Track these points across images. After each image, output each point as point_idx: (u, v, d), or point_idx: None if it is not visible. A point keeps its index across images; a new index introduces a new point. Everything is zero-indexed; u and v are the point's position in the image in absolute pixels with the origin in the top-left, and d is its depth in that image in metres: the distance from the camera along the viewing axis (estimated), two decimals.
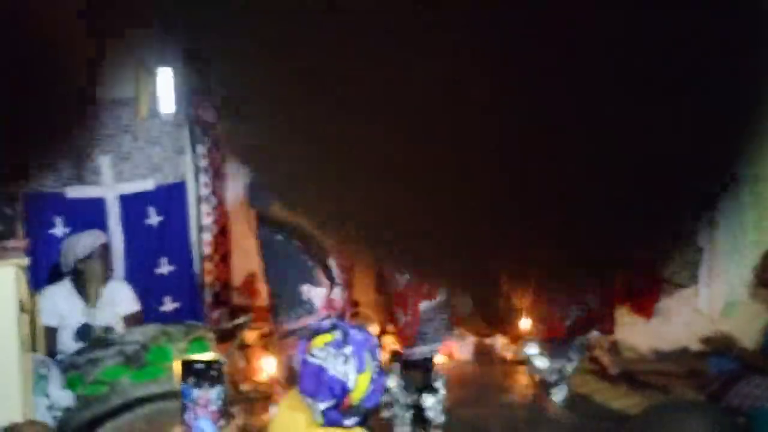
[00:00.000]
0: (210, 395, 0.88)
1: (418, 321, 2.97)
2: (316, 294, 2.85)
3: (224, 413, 0.89)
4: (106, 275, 3.30)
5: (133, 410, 2.60)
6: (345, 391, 1.64)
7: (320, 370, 1.64)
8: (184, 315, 4.05)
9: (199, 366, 0.89)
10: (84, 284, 3.23)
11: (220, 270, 4.32)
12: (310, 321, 2.82)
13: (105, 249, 3.30)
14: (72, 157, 3.75)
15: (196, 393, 0.88)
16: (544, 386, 3.43)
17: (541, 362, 3.40)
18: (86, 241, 3.24)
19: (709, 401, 3.10)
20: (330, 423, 1.68)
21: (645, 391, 3.42)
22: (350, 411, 1.68)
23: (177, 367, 0.88)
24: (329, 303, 2.90)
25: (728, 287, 3.55)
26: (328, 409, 1.65)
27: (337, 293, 2.95)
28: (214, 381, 0.89)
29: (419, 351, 3.02)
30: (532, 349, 3.46)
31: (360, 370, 1.66)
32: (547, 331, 3.45)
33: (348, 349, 1.67)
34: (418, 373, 3.03)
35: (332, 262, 2.96)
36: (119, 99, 3.89)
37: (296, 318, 2.86)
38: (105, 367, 2.71)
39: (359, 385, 1.66)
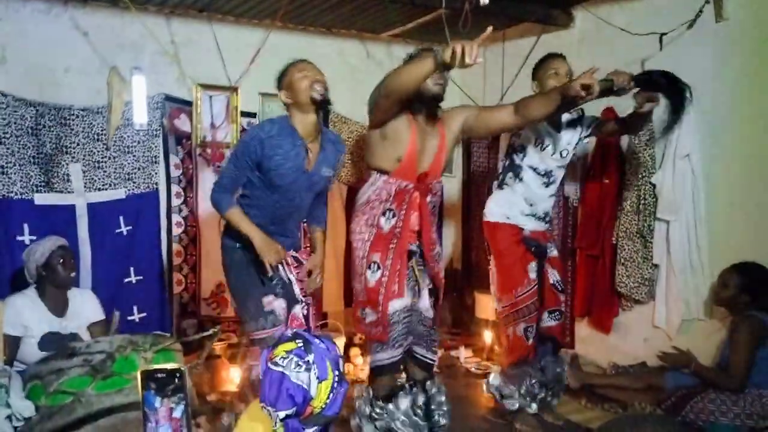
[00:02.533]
0: (171, 405, 0.90)
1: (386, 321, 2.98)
2: (279, 305, 2.86)
3: (186, 423, 0.91)
4: (69, 280, 3.26)
5: (96, 421, 2.58)
6: (306, 399, 1.66)
7: (282, 378, 1.65)
8: (151, 325, 4.04)
9: (160, 375, 0.91)
10: (47, 291, 3.20)
11: (189, 280, 4.32)
12: (274, 333, 2.82)
13: (66, 254, 3.24)
14: (41, 164, 3.74)
15: (158, 403, 0.90)
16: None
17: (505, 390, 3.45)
18: (44, 247, 3.19)
19: (666, 415, 3.18)
20: None
21: (604, 404, 3.50)
22: (311, 420, 1.69)
23: (138, 377, 0.89)
24: (291, 317, 2.90)
25: (685, 305, 3.63)
26: (288, 417, 1.66)
27: (298, 310, 2.95)
28: (176, 390, 0.91)
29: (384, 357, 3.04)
30: (495, 380, 3.51)
31: (322, 378, 1.68)
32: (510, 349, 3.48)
33: (310, 357, 1.68)
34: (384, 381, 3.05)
35: (294, 279, 2.97)
36: (91, 107, 3.89)
37: (259, 329, 2.86)
38: (69, 377, 2.68)
39: (320, 393, 1.68)
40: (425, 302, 3.09)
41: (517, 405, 3.35)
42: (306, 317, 2.98)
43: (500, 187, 3.47)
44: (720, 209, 3.51)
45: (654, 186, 3.70)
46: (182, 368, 0.96)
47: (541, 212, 3.43)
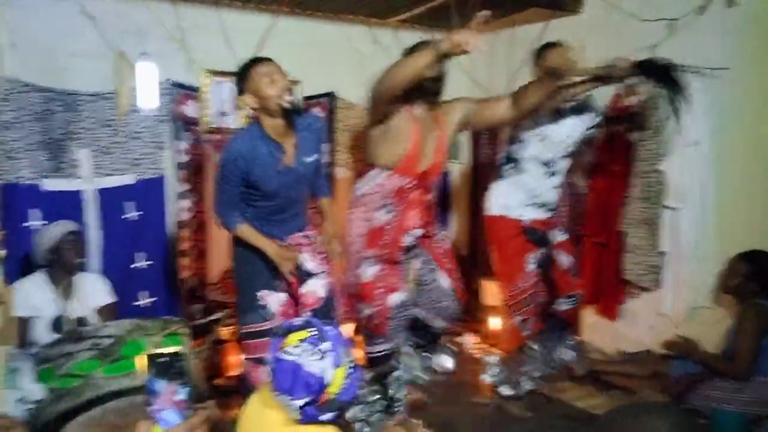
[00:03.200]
0: (175, 387, 0.91)
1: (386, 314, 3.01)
2: (272, 300, 2.86)
3: (190, 405, 0.92)
4: (78, 265, 3.29)
5: (104, 404, 2.61)
6: (322, 386, 1.67)
7: (296, 367, 1.66)
8: (159, 310, 4.07)
9: (163, 359, 0.92)
10: (56, 275, 3.23)
11: (197, 266, 4.34)
12: (264, 326, 2.85)
13: (76, 239, 3.27)
14: (49, 149, 3.75)
15: (161, 386, 0.91)
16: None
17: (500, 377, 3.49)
18: (54, 232, 3.23)
19: (672, 402, 3.18)
20: (307, 419, 1.70)
21: (609, 391, 3.51)
22: (326, 406, 1.71)
23: (141, 361, 0.91)
24: (294, 304, 2.91)
25: (692, 292, 3.62)
26: (304, 405, 1.67)
27: (312, 284, 2.96)
28: (179, 373, 0.91)
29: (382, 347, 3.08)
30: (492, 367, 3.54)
31: (337, 364, 1.69)
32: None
33: (324, 345, 1.69)
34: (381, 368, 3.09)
35: (307, 255, 2.97)
36: (99, 93, 3.89)
37: (252, 322, 2.88)
38: (78, 360, 2.71)
39: (336, 379, 1.69)
40: (446, 282, 3.11)
41: (512, 392, 3.39)
42: (327, 289, 3.00)
43: (502, 176, 3.47)
44: (729, 197, 3.49)
45: (662, 173, 3.68)
46: (185, 351, 0.96)
47: (544, 202, 3.42)
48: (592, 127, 3.43)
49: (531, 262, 3.42)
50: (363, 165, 4.72)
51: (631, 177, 3.83)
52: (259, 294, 2.84)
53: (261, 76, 2.72)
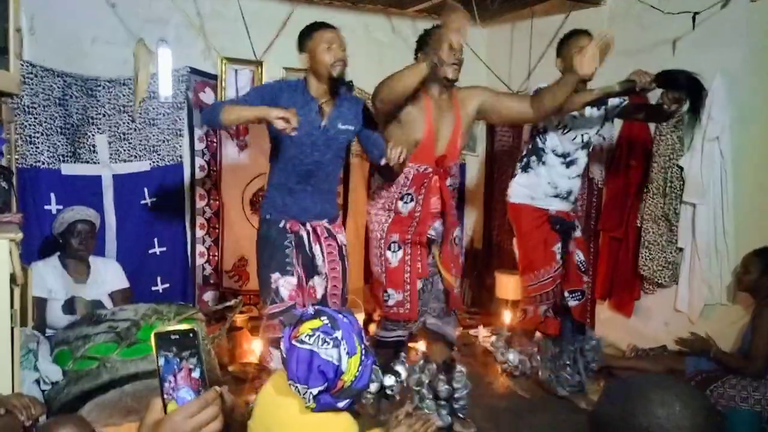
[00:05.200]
0: (188, 365, 0.91)
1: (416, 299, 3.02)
2: (284, 283, 2.87)
3: (203, 382, 0.92)
4: (85, 253, 3.31)
5: (121, 386, 2.63)
6: (338, 374, 1.67)
7: (311, 355, 1.66)
8: (174, 296, 4.10)
9: (174, 337, 0.91)
10: (69, 259, 3.27)
11: (212, 253, 4.37)
12: (277, 309, 2.86)
13: (85, 226, 3.29)
14: (68, 134, 3.78)
15: (174, 364, 0.90)
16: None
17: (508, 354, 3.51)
18: (64, 217, 3.27)
19: (672, 376, 3.14)
20: (322, 407, 1.71)
21: None
22: (342, 393, 1.71)
23: (152, 338, 0.90)
24: (304, 292, 2.92)
25: (708, 289, 3.59)
26: (320, 393, 1.68)
27: (317, 282, 2.97)
28: (191, 351, 0.91)
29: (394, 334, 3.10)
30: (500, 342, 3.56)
31: (351, 353, 1.69)
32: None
33: (338, 333, 1.69)
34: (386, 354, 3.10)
35: (320, 251, 2.97)
36: (118, 79, 3.92)
37: (268, 304, 2.90)
38: (95, 343, 2.74)
39: (350, 367, 1.69)
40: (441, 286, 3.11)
41: (518, 371, 3.41)
42: (326, 293, 3.00)
43: (524, 170, 3.44)
44: (748, 193, 3.44)
45: (681, 168, 3.64)
46: (195, 328, 0.95)
47: (564, 192, 3.40)
48: (613, 118, 3.41)
49: (558, 250, 3.41)
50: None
51: (649, 172, 3.80)
52: (272, 277, 2.86)
53: (320, 42, 2.84)
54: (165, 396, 0.89)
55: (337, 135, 2.92)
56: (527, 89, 4.59)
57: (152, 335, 0.91)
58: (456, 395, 3.06)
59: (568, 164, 3.36)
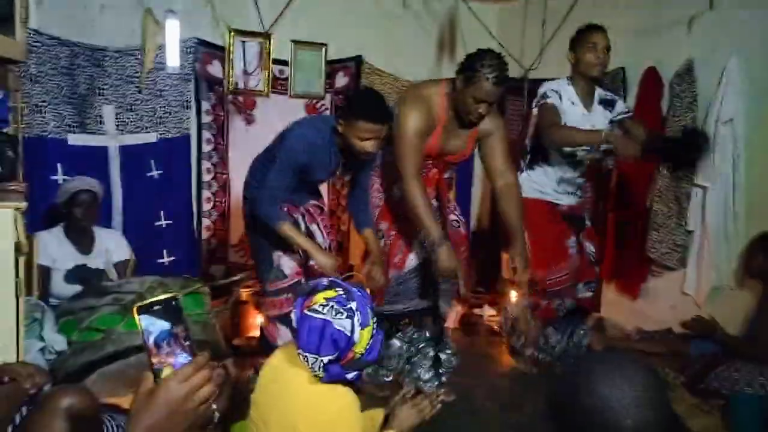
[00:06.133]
0: (177, 332, 0.90)
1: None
2: (286, 260, 2.87)
3: (192, 345, 0.91)
4: (88, 223, 3.29)
5: (126, 358, 2.64)
6: (349, 344, 1.67)
7: (324, 324, 1.66)
8: (181, 269, 4.10)
9: (157, 307, 0.90)
10: (72, 229, 3.26)
11: (218, 227, 4.36)
12: (282, 285, 2.89)
13: (88, 196, 3.27)
14: (75, 104, 3.75)
15: (162, 333, 0.90)
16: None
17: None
18: (68, 186, 3.25)
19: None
20: (332, 377, 1.71)
21: None
22: (351, 365, 1.72)
23: (135, 312, 0.89)
24: (306, 270, 2.92)
25: (716, 272, 3.56)
26: (330, 363, 1.68)
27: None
28: (177, 318, 0.90)
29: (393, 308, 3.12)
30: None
31: (365, 324, 1.69)
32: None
33: (353, 304, 1.69)
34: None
35: (317, 228, 2.97)
36: (125, 49, 3.88)
37: (269, 282, 2.90)
38: (100, 314, 2.75)
39: (362, 339, 1.69)
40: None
41: (520, 344, 3.46)
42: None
43: (530, 167, 3.41)
44: (760, 177, 3.41)
45: None
46: (178, 295, 0.94)
47: (573, 188, 3.40)
48: (617, 119, 3.37)
49: (571, 246, 3.39)
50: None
51: None
52: (274, 255, 2.86)
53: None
54: (155, 366, 0.89)
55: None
56: (539, 64, 4.54)
57: (134, 308, 0.90)
58: (442, 359, 3.08)
59: (573, 163, 3.35)
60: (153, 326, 0.89)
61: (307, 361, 1.69)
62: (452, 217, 3.21)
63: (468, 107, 2.80)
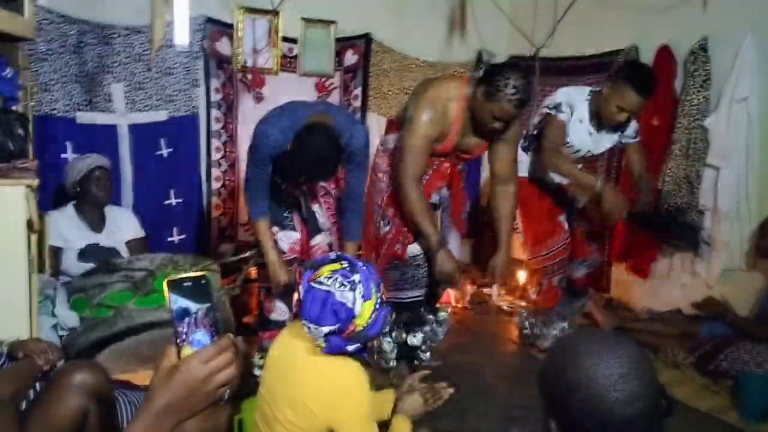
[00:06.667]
0: (201, 310, 0.90)
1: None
2: (283, 237, 2.86)
3: (216, 328, 0.91)
4: (102, 199, 3.29)
5: (137, 335, 2.67)
6: (350, 316, 1.69)
7: (327, 295, 1.68)
8: (190, 247, 4.13)
9: (186, 284, 0.90)
10: (84, 207, 3.26)
11: (228, 205, 4.37)
12: None
13: (102, 174, 3.26)
14: (83, 82, 3.75)
15: (187, 310, 0.90)
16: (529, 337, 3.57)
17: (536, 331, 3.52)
18: (82, 164, 3.23)
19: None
20: (332, 349, 1.73)
21: None
22: (353, 337, 1.73)
23: (165, 285, 0.89)
24: (304, 248, 2.91)
25: (727, 254, 3.54)
26: (331, 334, 1.70)
27: (321, 239, 2.96)
28: (204, 297, 0.90)
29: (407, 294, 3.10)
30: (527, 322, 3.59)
31: (367, 297, 1.71)
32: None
33: (356, 277, 1.71)
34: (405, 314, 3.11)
35: (319, 208, 2.96)
36: (134, 27, 3.86)
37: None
38: (111, 291, 2.77)
39: (364, 312, 1.70)
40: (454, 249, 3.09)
41: (547, 344, 3.40)
42: (330, 245, 2.99)
43: (525, 151, 3.39)
44: None
45: (706, 130, 3.55)
46: (207, 274, 0.94)
47: None
48: (623, 142, 3.34)
49: (563, 221, 3.39)
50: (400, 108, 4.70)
51: (673, 132, 3.71)
52: (272, 230, 2.85)
53: None
54: (178, 342, 0.89)
55: None
56: (551, 43, 4.50)
57: (164, 282, 0.90)
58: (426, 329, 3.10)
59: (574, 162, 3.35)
60: (180, 302, 0.89)
61: (310, 332, 1.72)
62: (461, 209, 3.18)
63: (485, 120, 2.73)
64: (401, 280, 3.08)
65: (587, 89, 3.25)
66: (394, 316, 3.02)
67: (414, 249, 3.04)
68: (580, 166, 3.32)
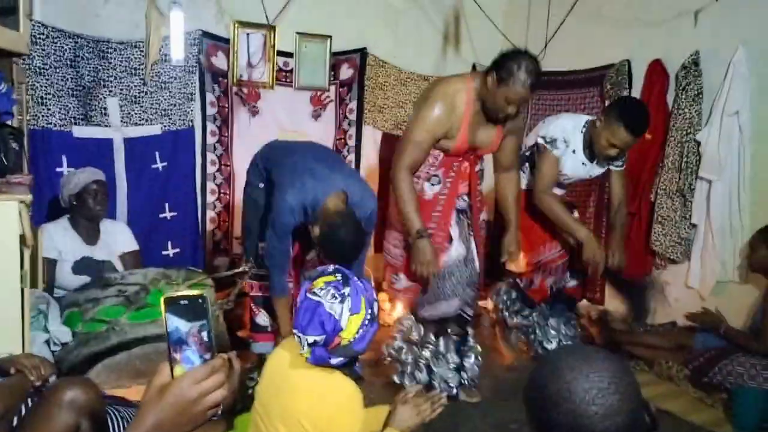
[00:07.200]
0: (196, 329, 0.90)
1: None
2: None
3: (211, 347, 0.91)
4: (100, 213, 3.30)
5: (130, 349, 2.66)
6: (336, 329, 1.70)
7: (317, 306, 1.71)
8: (185, 261, 4.12)
9: (183, 302, 0.91)
10: (79, 221, 3.27)
11: (223, 219, 4.37)
12: (261, 272, 2.95)
13: (100, 188, 3.28)
14: (79, 96, 3.76)
15: (183, 329, 0.90)
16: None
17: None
18: (79, 178, 3.24)
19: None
20: (316, 359, 1.74)
21: (631, 361, 3.48)
22: (338, 350, 1.73)
23: (162, 303, 0.90)
24: (299, 262, 2.93)
25: (720, 266, 3.55)
26: (316, 344, 1.71)
27: (314, 254, 2.98)
28: (200, 316, 0.91)
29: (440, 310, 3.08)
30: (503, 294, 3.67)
31: (354, 311, 1.72)
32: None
33: (346, 290, 1.73)
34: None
35: None
36: (129, 41, 3.87)
37: (250, 264, 2.98)
38: (104, 306, 2.76)
39: (350, 325, 1.71)
40: (474, 260, 3.08)
41: (515, 321, 3.53)
42: (323, 262, 3.01)
43: (520, 169, 3.41)
44: (766, 170, 3.39)
45: (698, 143, 3.58)
46: (204, 294, 0.95)
47: (558, 183, 3.40)
48: (609, 167, 3.36)
49: (556, 231, 3.41)
50: (396, 122, 4.71)
51: (665, 146, 3.74)
52: (260, 245, 2.88)
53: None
54: (172, 360, 0.89)
55: None
56: (543, 58, 4.52)
57: (162, 300, 0.90)
58: (465, 365, 3.07)
59: (562, 185, 3.38)
60: (176, 320, 0.89)
61: (299, 340, 1.73)
62: (482, 217, 3.18)
63: (498, 106, 2.75)
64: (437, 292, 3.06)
65: (583, 119, 3.26)
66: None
67: (452, 255, 3.03)
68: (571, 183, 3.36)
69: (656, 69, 3.82)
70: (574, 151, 3.23)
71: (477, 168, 3.04)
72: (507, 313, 3.59)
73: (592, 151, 3.21)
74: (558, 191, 3.41)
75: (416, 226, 2.80)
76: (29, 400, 1.87)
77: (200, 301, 0.92)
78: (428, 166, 2.93)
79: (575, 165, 3.26)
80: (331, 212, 2.61)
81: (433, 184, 2.95)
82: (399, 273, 3.04)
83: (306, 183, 2.68)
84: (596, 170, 3.32)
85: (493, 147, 3.01)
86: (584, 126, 3.22)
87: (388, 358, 3.08)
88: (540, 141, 3.27)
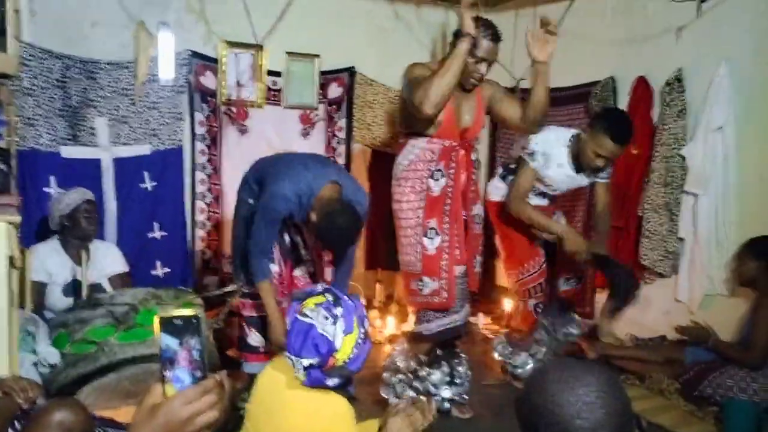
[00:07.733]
0: (188, 348, 0.90)
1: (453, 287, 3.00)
2: None
3: (202, 366, 0.91)
4: (92, 233, 3.30)
5: (119, 370, 2.63)
6: (330, 350, 1.69)
7: (309, 328, 1.69)
8: (174, 280, 4.10)
9: (177, 322, 0.91)
10: (70, 242, 3.25)
11: (212, 238, 4.36)
12: (251, 290, 2.93)
13: (91, 207, 3.29)
14: (68, 117, 3.76)
15: (175, 348, 0.90)
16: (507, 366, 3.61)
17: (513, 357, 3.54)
18: (70, 198, 3.24)
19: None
20: (312, 382, 1.73)
21: (621, 376, 3.49)
22: (333, 371, 1.72)
23: (156, 321, 0.90)
24: (288, 280, 2.92)
25: (708, 280, 3.58)
26: (311, 367, 1.70)
27: (303, 270, 2.99)
28: (193, 335, 0.91)
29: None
30: (502, 347, 3.62)
31: (347, 331, 1.71)
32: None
33: (338, 311, 1.72)
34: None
35: (300, 240, 2.98)
36: (118, 62, 3.89)
37: (242, 283, 2.97)
38: (93, 326, 2.74)
39: (344, 346, 1.71)
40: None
41: (520, 371, 3.46)
42: (312, 274, 3.03)
43: (503, 179, 3.45)
44: (750, 184, 3.43)
45: (684, 158, 3.62)
46: (198, 314, 0.95)
47: (542, 193, 3.42)
48: (595, 180, 3.39)
49: (539, 244, 3.42)
50: (385, 140, 4.73)
51: (651, 161, 3.78)
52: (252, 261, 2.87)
53: None
54: (164, 380, 0.89)
55: None
56: (530, 75, 4.57)
57: (155, 319, 0.90)
58: (456, 381, 3.06)
59: (545, 196, 3.41)
60: (169, 340, 0.89)
61: (293, 364, 1.72)
62: (475, 211, 3.16)
63: (468, 68, 2.82)
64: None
65: (569, 134, 3.28)
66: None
67: (457, 270, 3.04)
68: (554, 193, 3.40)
69: (641, 85, 3.87)
70: (559, 165, 3.25)
71: (472, 157, 3.08)
72: (511, 368, 3.57)
73: (579, 163, 3.24)
74: (543, 203, 3.43)
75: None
76: (17, 423, 1.85)
77: (194, 320, 0.92)
78: (428, 163, 2.94)
79: (561, 178, 3.28)
80: (329, 200, 2.66)
81: (437, 179, 2.95)
82: (423, 278, 2.99)
83: (300, 173, 2.72)
84: (583, 181, 3.34)
85: (478, 125, 3.05)
86: (570, 139, 3.25)
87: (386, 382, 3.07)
88: (522, 153, 3.32)
